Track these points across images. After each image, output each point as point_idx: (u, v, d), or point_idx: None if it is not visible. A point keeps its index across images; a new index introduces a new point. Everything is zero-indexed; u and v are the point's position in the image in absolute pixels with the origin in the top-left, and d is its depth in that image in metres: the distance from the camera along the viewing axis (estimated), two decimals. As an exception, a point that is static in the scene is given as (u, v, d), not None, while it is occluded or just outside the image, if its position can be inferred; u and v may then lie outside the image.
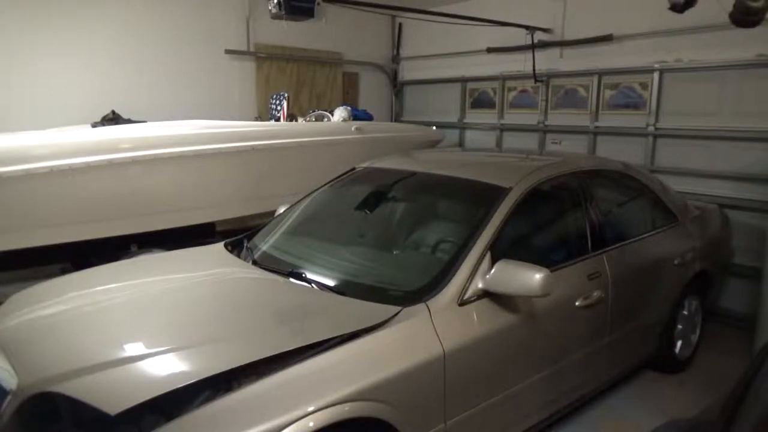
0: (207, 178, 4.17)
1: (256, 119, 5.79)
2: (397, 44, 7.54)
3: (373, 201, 3.09)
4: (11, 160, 3.32)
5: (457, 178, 2.98)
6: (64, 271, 3.74)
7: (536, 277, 2.15)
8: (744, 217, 4.42)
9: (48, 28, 4.86)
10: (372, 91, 7.51)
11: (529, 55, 5.75)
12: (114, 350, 1.92)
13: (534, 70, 5.72)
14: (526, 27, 5.65)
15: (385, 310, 2.09)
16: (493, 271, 2.25)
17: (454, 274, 2.26)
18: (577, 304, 2.65)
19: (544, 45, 5.75)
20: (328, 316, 2.15)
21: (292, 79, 6.57)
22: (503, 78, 6.26)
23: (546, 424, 2.74)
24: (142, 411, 1.61)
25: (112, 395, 1.68)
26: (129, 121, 4.42)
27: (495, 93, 6.40)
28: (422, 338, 2.06)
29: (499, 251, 2.37)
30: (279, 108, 5.27)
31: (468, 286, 2.25)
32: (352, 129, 5.13)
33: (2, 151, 3.35)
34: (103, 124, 4.24)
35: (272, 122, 5.23)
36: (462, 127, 6.78)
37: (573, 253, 2.81)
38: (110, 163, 3.64)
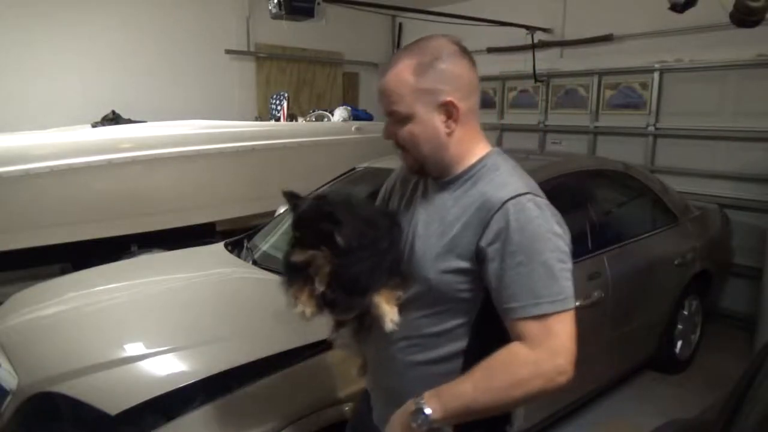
0: (207, 178, 4.17)
1: (256, 119, 5.79)
2: (397, 44, 7.53)
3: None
4: (11, 160, 3.32)
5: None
6: (64, 271, 3.74)
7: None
8: (744, 217, 4.41)
9: (48, 29, 4.86)
10: (372, 91, 7.50)
11: (529, 55, 5.74)
12: (114, 350, 1.92)
13: (534, 70, 5.72)
14: (527, 27, 5.65)
15: (385, 310, 2.08)
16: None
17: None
18: (576, 304, 2.63)
19: (544, 45, 5.75)
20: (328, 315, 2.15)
21: (292, 79, 6.57)
22: (503, 78, 6.26)
23: (546, 424, 2.73)
24: (142, 411, 1.61)
25: (112, 395, 1.68)
26: (129, 121, 4.43)
27: (495, 93, 6.39)
28: (422, 338, 2.06)
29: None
30: (279, 108, 5.27)
31: (468, 286, 2.24)
32: (352, 129, 5.13)
33: (2, 151, 3.35)
34: (103, 124, 4.25)
35: (272, 122, 5.23)
36: (462, 127, 6.77)
37: (573, 253, 2.79)
38: (110, 163, 3.64)
